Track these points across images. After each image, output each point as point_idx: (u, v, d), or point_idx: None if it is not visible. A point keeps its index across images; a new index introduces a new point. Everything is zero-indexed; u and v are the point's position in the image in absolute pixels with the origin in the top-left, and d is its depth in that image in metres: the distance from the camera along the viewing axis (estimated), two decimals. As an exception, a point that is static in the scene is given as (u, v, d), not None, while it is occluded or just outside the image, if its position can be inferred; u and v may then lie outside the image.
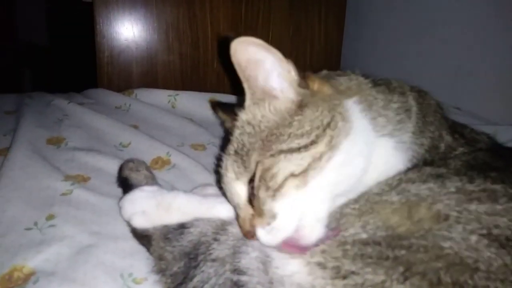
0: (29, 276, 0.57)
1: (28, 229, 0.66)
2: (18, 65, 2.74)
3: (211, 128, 1.12)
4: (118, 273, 0.60)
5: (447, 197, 0.51)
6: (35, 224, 0.67)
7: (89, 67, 1.55)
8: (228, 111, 0.79)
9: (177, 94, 1.24)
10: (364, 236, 0.50)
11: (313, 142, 0.54)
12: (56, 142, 0.93)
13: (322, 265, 0.47)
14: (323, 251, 0.49)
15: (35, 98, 1.16)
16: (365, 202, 0.55)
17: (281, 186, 0.54)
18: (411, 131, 0.62)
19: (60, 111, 1.07)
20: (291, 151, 0.54)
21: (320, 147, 0.54)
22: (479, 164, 0.59)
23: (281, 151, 0.54)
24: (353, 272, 0.45)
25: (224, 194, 0.63)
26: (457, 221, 0.48)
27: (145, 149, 0.95)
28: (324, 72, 0.69)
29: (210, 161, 0.95)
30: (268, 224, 0.55)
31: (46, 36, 2.74)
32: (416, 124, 0.63)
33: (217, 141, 1.05)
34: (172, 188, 0.81)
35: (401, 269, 0.45)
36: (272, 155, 0.55)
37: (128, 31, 1.45)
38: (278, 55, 0.56)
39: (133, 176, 0.76)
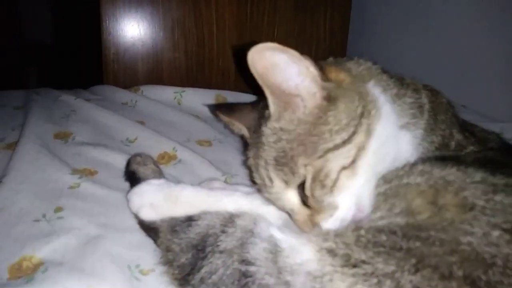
0: (38, 266, 0.57)
1: (37, 220, 0.66)
2: (23, 64, 2.76)
3: (217, 124, 1.12)
4: (126, 264, 0.60)
5: (474, 186, 0.52)
6: (44, 216, 0.67)
7: (94, 66, 1.56)
8: (230, 112, 0.79)
9: (183, 91, 1.25)
10: (384, 222, 0.50)
11: (353, 133, 0.56)
12: (63, 136, 0.93)
13: (332, 252, 0.48)
14: (336, 235, 0.49)
15: (43, 94, 1.17)
16: (389, 186, 0.56)
17: (335, 181, 0.55)
18: (422, 128, 0.63)
19: (67, 106, 1.07)
20: (337, 147, 0.56)
21: (361, 136, 0.56)
22: (490, 162, 0.59)
23: (328, 150, 0.55)
24: (363, 261, 0.46)
25: (263, 197, 0.65)
26: (483, 212, 0.48)
27: (152, 144, 0.95)
28: (331, 59, 0.69)
29: (216, 156, 0.96)
30: (331, 216, 0.57)
31: (51, 34, 2.75)
32: (428, 121, 0.64)
33: (223, 138, 1.06)
34: (178, 182, 0.81)
35: (413, 260, 0.45)
36: (320, 156, 0.56)
37: (134, 28, 1.45)
38: (294, 53, 0.55)
39: (141, 170, 0.76)
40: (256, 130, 0.66)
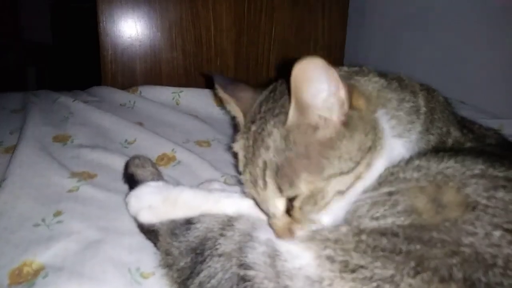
0: (39, 271, 0.58)
1: (37, 225, 0.67)
2: (22, 64, 2.76)
3: (216, 124, 1.12)
4: (126, 267, 0.60)
5: (475, 181, 0.51)
6: (43, 220, 0.68)
7: (92, 65, 1.56)
8: (230, 89, 0.74)
9: (181, 91, 1.25)
10: (388, 221, 0.50)
11: (357, 163, 0.57)
12: (62, 139, 0.93)
13: (331, 259, 0.48)
14: (336, 241, 0.50)
15: (41, 96, 1.17)
16: (387, 185, 0.56)
17: (328, 202, 0.57)
18: (418, 130, 0.63)
19: (65, 109, 1.07)
20: (341, 174, 0.57)
21: (361, 168, 0.57)
22: (487, 154, 0.59)
23: (334, 175, 0.57)
24: (361, 266, 0.46)
25: (243, 192, 0.66)
26: (485, 211, 0.48)
27: (151, 146, 0.95)
28: (344, 69, 0.68)
29: (215, 157, 0.96)
30: (309, 227, 0.58)
31: (50, 35, 2.76)
32: (424, 123, 0.64)
33: (222, 138, 1.06)
34: (177, 184, 0.81)
35: (412, 264, 0.44)
36: (322, 177, 0.57)
37: (131, 28, 1.45)
38: (334, 74, 0.55)
39: (139, 173, 0.76)
40: (254, 120, 0.64)
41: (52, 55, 2.73)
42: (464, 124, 0.69)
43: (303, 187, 0.57)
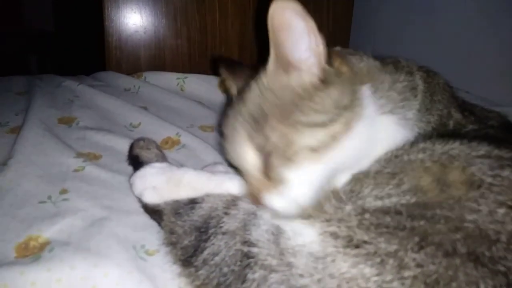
0: (44, 245, 0.58)
1: (42, 202, 0.67)
2: (25, 51, 2.75)
3: (220, 110, 1.12)
4: (131, 244, 0.61)
5: (480, 161, 0.51)
6: (49, 197, 0.68)
7: (96, 53, 1.56)
8: (232, 70, 0.78)
9: (186, 77, 1.25)
10: (392, 200, 0.50)
11: (332, 120, 0.56)
12: (67, 121, 0.94)
13: (334, 235, 0.48)
14: (340, 220, 0.50)
15: (46, 80, 1.17)
16: (393, 164, 0.56)
17: (295, 155, 0.55)
18: (416, 108, 0.63)
19: (70, 92, 1.07)
20: (310, 125, 0.56)
21: (337, 127, 0.56)
22: (491, 138, 0.59)
23: (301, 123, 0.56)
24: (365, 242, 0.46)
25: (223, 154, 0.64)
26: (490, 190, 0.48)
27: (155, 129, 0.95)
28: (337, 48, 0.69)
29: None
30: (276, 188, 0.57)
31: (53, 22, 2.74)
32: (423, 102, 0.64)
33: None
34: (181, 167, 0.81)
35: (416, 239, 0.45)
36: (291, 124, 0.56)
37: (136, 15, 1.45)
38: (312, 25, 0.55)
39: (144, 154, 0.76)
40: (242, 90, 0.65)
41: (54, 42, 2.72)
42: (465, 107, 0.69)
43: (270, 133, 0.56)
